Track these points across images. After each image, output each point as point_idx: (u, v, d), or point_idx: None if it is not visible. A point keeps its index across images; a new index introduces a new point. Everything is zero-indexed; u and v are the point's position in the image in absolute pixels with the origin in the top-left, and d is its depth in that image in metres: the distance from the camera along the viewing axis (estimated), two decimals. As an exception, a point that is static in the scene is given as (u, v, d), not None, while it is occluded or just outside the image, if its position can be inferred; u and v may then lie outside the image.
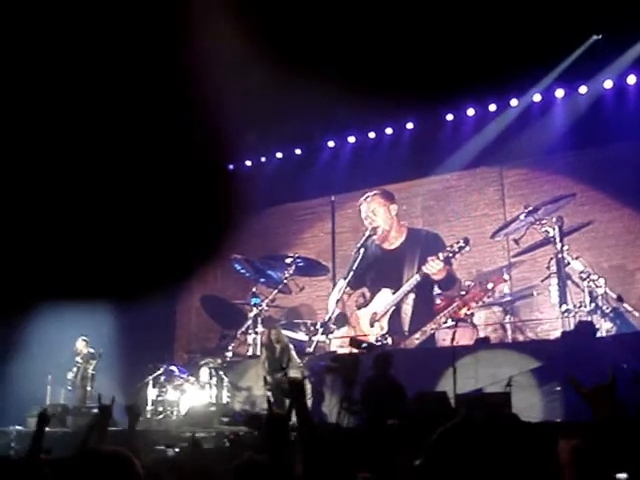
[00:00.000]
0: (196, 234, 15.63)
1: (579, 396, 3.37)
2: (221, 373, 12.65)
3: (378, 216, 13.84)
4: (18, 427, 11.42)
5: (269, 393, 11.36)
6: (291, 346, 11.84)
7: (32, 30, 11.94)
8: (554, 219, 11.57)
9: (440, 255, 12.50)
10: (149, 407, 12.47)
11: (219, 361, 12.84)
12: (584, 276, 11.32)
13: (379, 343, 12.33)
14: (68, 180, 14.36)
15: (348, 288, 13.65)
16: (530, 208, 11.76)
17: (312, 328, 13.56)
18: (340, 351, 12.49)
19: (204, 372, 12.61)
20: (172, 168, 15.44)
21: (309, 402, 10.70)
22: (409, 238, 13.96)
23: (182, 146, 14.84)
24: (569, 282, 11.51)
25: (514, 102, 13.80)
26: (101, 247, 14.86)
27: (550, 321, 12.79)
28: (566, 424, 8.88)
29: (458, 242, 12.48)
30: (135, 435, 6.12)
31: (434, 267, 12.55)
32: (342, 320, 13.79)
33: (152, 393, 12.61)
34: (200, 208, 15.78)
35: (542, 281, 12.13)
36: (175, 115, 13.46)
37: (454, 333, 11.61)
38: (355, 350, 10.13)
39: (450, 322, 12.05)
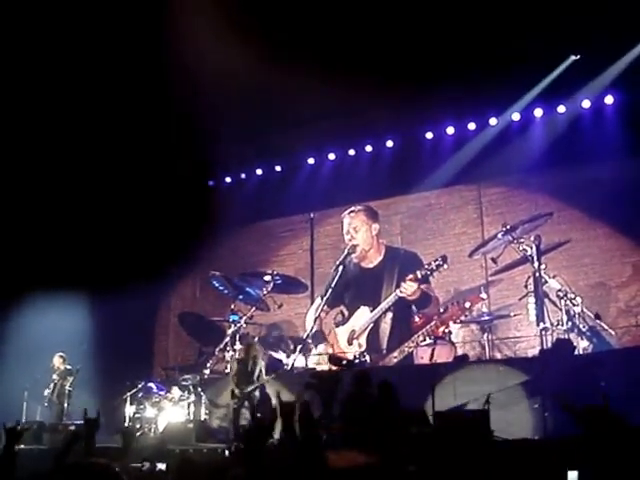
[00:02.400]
0: (174, 250, 15.61)
1: (571, 416, 3.40)
2: (199, 390, 12.60)
3: (359, 234, 13.84)
4: (-4, 444, 11.23)
5: (235, 406, 11.50)
6: (262, 363, 11.87)
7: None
8: (532, 238, 11.60)
9: (418, 273, 12.50)
10: (126, 424, 12.40)
11: (197, 378, 12.80)
12: (561, 295, 11.36)
13: (357, 361, 12.32)
14: (46, 192, 14.32)
15: (326, 306, 13.63)
16: (508, 227, 11.79)
17: (290, 346, 13.55)
18: (319, 368, 12.47)
19: (182, 389, 12.56)
20: (151, 184, 15.40)
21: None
22: (387, 256, 13.96)
23: (162, 161, 14.81)
24: (546, 300, 11.53)
25: (493, 121, 13.90)
26: (79, 261, 14.79)
27: (528, 339, 12.85)
28: (547, 441, 8.92)
29: (436, 260, 12.49)
30: (128, 454, 6.13)
31: (408, 289, 12.58)
32: (320, 338, 13.78)
33: (130, 410, 12.55)
34: (178, 224, 15.76)
35: (520, 299, 12.16)
36: (157, 131, 13.45)
37: (433, 350, 11.64)
38: (334, 367, 10.12)
39: (428, 340, 12.07)
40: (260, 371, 11.71)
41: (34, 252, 14.54)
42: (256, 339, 13.64)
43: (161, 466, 8.10)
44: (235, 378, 11.73)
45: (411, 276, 12.60)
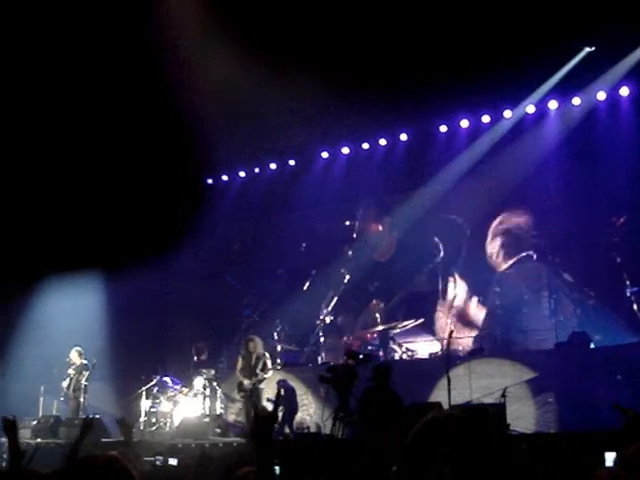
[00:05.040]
0: (188, 244, 15.59)
1: (625, 419, 3.42)
2: (214, 384, 12.66)
3: (371, 228, 13.96)
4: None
5: (244, 400, 11.71)
6: (267, 355, 11.93)
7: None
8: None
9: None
10: (142, 418, 12.44)
11: (212, 372, 12.85)
12: (574, 288, 11.38)
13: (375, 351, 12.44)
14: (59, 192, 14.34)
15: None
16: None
17: (303, 339, 13.66)
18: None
19: (198, 383, 12.60)
20: (163, 181, 15.38)
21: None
22: (400, 250, 14.03)
23: (173, 158, 14.78)
24: (561, 294, 11.56)
25: (508, 114, 13.73)
26: (95, 254, 14.78)
27: (540, 331, 12.80)
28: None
29: None
30: (131, 445, 6.12)
31: None
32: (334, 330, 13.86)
33: (145, 404, 12.58)
34: (190, 219, 15.72)
35: (534, 293, 12.19)
36: (173, 126, 13.43)
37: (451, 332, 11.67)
38: (351, 361, 10.11)
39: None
40: (264, 365, 11.83)
41: (49, 243, 14.54)
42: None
43: (172, 461, 8.12)
44: (241, 373, 11.84)
45: None
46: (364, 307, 14.08)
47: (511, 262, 12.69)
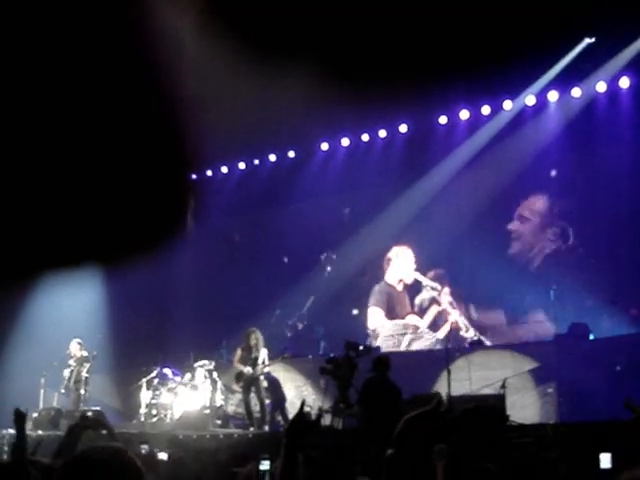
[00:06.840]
0: (188, 236, 15.57)
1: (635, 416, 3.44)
2: (215, 376, 12.65)
3: None
4: (12, 431, 11.24)
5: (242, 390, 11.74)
6: (264, 350, 11.91)
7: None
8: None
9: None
10: (143, 410, 12.45)
11: (213, 364, 12.85)
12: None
13: (375, 346, 12.43)
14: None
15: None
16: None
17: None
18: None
19: (199, 375, 12.60)
20: (161, 173, 15.34)
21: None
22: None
23: (171, 149, 14.74)
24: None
25: (508, 105, 13.66)
26: (93, 245, 14.77)
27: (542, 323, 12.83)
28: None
29: None
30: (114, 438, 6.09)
31: None
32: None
33: (146, 396, 12.57)
34: (189, 211, 15.72)
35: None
36: (170, 118, 13.40)
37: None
38: (351, 352, 10.14)
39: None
40: (264, 358, 11.84)
41: (49, 237, 14.51)
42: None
43: (162, 455, 8.09)
44: (241, 363, 11.84)
45: None
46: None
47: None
